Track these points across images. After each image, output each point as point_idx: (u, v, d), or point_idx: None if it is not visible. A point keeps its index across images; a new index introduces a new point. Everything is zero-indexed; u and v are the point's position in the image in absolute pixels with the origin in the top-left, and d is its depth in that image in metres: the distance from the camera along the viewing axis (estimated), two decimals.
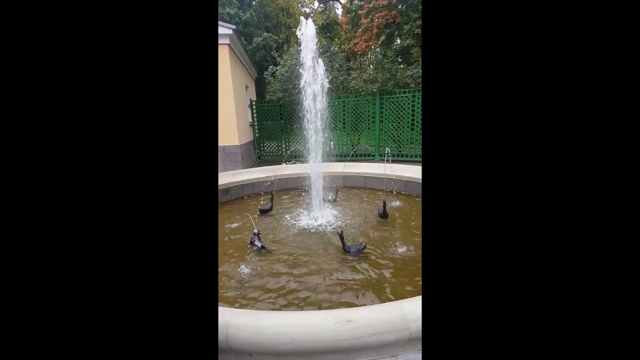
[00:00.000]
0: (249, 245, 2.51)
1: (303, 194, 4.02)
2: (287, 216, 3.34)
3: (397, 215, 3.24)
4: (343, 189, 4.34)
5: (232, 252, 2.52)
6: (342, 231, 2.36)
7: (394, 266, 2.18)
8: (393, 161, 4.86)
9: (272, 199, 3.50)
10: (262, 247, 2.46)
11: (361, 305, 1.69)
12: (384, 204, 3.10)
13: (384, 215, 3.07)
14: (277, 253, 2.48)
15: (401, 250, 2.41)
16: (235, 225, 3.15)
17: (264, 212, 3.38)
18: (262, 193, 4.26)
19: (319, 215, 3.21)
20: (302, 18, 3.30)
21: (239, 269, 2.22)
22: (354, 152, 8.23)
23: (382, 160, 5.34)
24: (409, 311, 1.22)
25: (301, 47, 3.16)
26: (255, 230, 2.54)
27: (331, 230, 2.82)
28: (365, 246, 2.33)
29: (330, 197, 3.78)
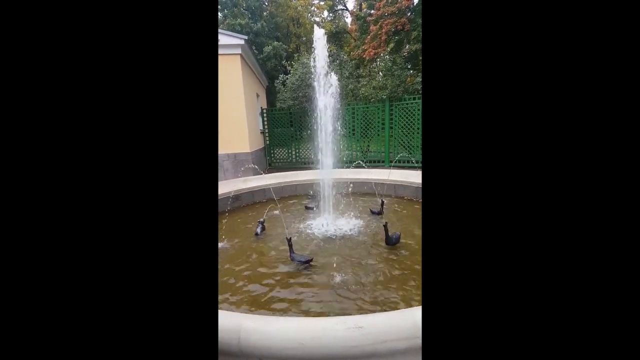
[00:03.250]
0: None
1: (313, 201, 4.03)
2: (302, 222, 3.42)
3: (403, 241, 2.66)
4: (354, 195, 4.31)
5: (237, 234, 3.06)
6: (290, 238, 2.44)
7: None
8: (401, 167, 4.79)
9: (314, 202, 3.90)
10: (257, 234, 3.03)
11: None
12: (386, 228, 2.59)
13: (389, 240, 2.58)
14: (269, 240, 2.91)
15: (339, 279, 2.14)
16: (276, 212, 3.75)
17: (308, 209, 3.80)
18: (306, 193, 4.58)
19: (330, 222, 3.23)
20: (315, 27, 3.44)
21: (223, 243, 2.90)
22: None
23: (394, 167, 5.26)
24: (420, 319, 1.20)
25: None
26: (261, 219, 3.16)
27: (285, 236, 2.59)
28: (311, 260, 2.33)
29: (375, 210, 3.52)
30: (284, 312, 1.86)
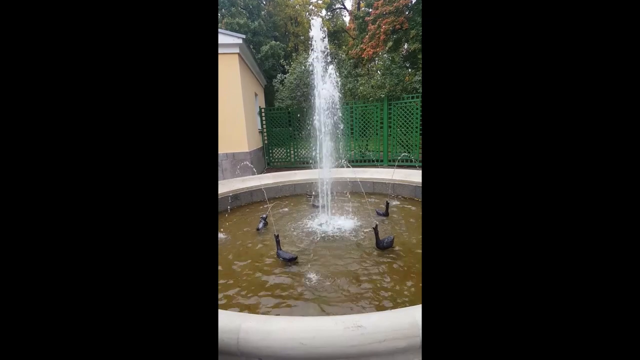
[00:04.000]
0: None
1: (312, 199, 4.03)
2: (302, 220, 3.45)
3: (399, 248, 2.52)
4: (354, 195, 4.30)
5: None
6: (277, 235, 2.52)
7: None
8: (400, 166, 4.76)
9: (314, 199, 3.86)
10: (259, 229, 3.15)
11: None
12: (376, 230, 2.53)
13: (379, 244, 2.53)
14: (266, 234, 3.04)
15: (315, 279, 2.19)
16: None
17: (316, 207, 3.80)
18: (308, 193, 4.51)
19: (329, 221, 3.23)
20: (312, 21, 3.39)
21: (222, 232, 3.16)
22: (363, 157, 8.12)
23: (391, 167, 5.21)
24: (419, 318, 1.21)
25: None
26: (264, 215, 3.26)
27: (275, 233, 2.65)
28: (295, 258, 2.43)
29: (381, 211, 3.39)
30: (253, 293, 2.07)
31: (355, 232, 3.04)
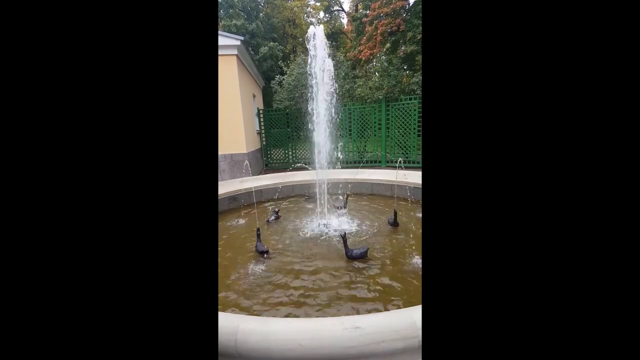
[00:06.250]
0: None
1: (309, 199, 4.02)
2: (302, 219, 3.47)
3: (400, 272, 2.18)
4: (356, 196, 4.28)
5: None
6: (258, 228, 2.74)
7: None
8: (399, 167, 4.77)
9: (345, 201, 3.79)
10: (268, 221, 3.38)
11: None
12: (344, 238, 2.39)
13: (347, 253, 2.39)
14: (273, 229, 3.23)
15: (256, 268, 2.34)
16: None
17: (336, 207, 3.71)
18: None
19: (328, 222, 3.24)
20: (311, 27, 3.39)
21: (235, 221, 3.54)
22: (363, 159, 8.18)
23: (390, 167, 5.22)
24: (418, 319, 1.21)
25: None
26: (276, 209, 3.48)
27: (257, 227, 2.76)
28: (267, 251, 2.62)
29: (391, 219, 3.15)
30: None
31: (350, 238, 2.87)
